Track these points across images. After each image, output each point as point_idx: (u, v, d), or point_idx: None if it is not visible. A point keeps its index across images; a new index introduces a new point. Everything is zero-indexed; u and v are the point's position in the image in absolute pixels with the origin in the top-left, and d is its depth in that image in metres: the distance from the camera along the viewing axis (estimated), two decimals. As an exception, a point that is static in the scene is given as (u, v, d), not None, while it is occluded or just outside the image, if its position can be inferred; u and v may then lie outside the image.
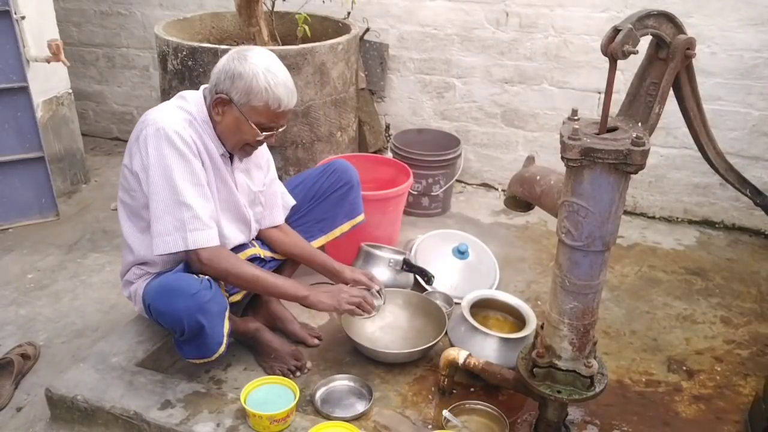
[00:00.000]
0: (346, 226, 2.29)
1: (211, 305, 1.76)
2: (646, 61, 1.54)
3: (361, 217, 2.31)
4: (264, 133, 1.83)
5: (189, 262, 1.83)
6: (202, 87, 1.90)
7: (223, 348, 1.84)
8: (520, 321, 2.13)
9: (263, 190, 2.08)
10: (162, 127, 1.74)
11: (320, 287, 1.97)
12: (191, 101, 1.86)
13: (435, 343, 2.08)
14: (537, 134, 3.32)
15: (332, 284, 2.07)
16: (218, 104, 1.80)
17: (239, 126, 1.81)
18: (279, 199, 2.16)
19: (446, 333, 2.11)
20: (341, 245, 2.41)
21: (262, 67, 1.75)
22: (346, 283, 2.06)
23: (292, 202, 2.22)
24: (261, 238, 2.15)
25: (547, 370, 1.68)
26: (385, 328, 2.26)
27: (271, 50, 2.60)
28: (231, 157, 1.94)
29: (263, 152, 2.07)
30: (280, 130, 1.88)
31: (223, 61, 1.80)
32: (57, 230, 3.06)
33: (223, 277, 1.85)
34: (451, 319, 2.17)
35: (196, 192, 1.77)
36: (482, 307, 2.20)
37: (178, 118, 1.78)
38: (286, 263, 2.25)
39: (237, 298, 2.06)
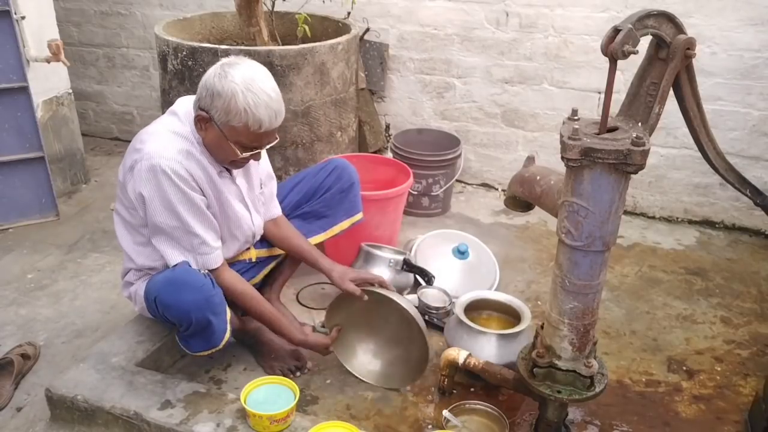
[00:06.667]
0: (345, 224, 2.28)
1: (216, 298, 1.80)
2: (646, 61, 1.54)
3: (359, 216, 2.31)
4: (246, 154, 1.77)
5: None
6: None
7: (228, 334, 1.86)
8: (518, 319, 2.12)
9: (263, 190, 2.08)
10: (157, 164, 1.70)
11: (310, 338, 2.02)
12: (185, 119, 1.82)
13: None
14: (537, 134, 3.32)
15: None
16: (200, 120, 1.76)
17: (220, 143, 1.77)
18: (275, 190, 2.16)
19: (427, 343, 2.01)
20: (341, 245, 2.41)
21: (241, 86, 1.67)
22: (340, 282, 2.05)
23: (278, 211, 2.18)
24: (273, 242, 2.16)
25: (547, 370, 1.68)
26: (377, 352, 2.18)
27: (271, 50, 2.63)
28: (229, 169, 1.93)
29: None
30: (270, 145, 1.82)
31: (206, 75, 1.74)
32: (57, 230, 3.06)
33: (223, 289, 1.89)
34: (448, 321, 2.17)
35: (200, 220, 1.81)
36: (481, 309, 2.19)
37: (173, 151, 1.74)
38: (284, 264, 2.25)
39: None
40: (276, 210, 2.16)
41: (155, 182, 1.72)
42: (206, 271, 1.83)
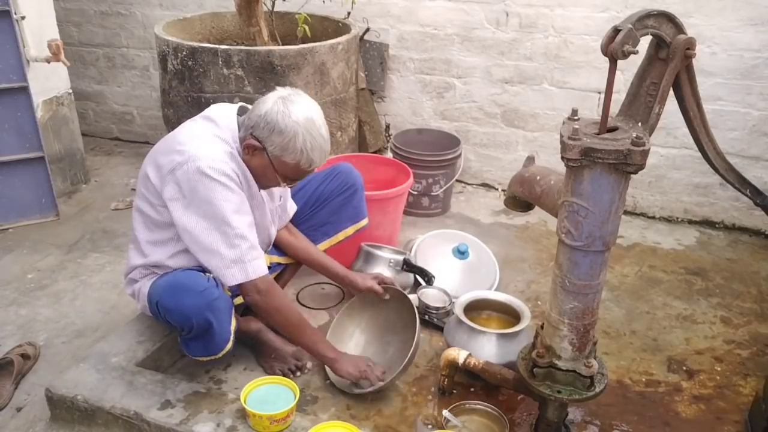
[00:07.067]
0: (350, 230, 2.29)
1: (219, 302, 1.78)
2: (646, 61, 1.54)
3: (365, 221, 2.32)
4: (286, 184, 1.86)
5: (244, 293, 1.84)
6: (237, 107, 1.87)
7: (230, 345, 1.86)
8: (518, 319, 2.12)
9: (281, 203, 2.10)
10: (203, 166, 1.70)
11: (347, 355, 2.00)
12: (225, 128, 1.82)
13: (405, 363, 1.97)
14: (537, 134, 3.32)
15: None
16: (249, 147, 1.78)
17: (265, 171, 1.82)
18: (288, 200, 2.18)
19: (417, 346, 2.01)
20: (342, 245, 2.40)
21: (303, 127, 1.73)
22: (360, 291, 2.17)
23: (294, 207, 2.22)
24: (277, 243, 2.17)
25: (547, 370, 1.68)
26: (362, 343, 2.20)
27: (271, 50, 2.63)
28: None
29: None
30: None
31: (267, 106, 1.75)
32: (57, 230, 3.06)
33: (272, 312, 1.88)
34: (448, 321, 2.17)
35: (247, 222, 1.79)
36: (481, 309, 2.19)
37: (219, 152, 1.75)
38: (287, 267, 2.26)
39: (240, 300, 2.06)
40: (287, 216, 2.18)
41: (204, 184, 1.70)
42: (211, 276, 1.79)
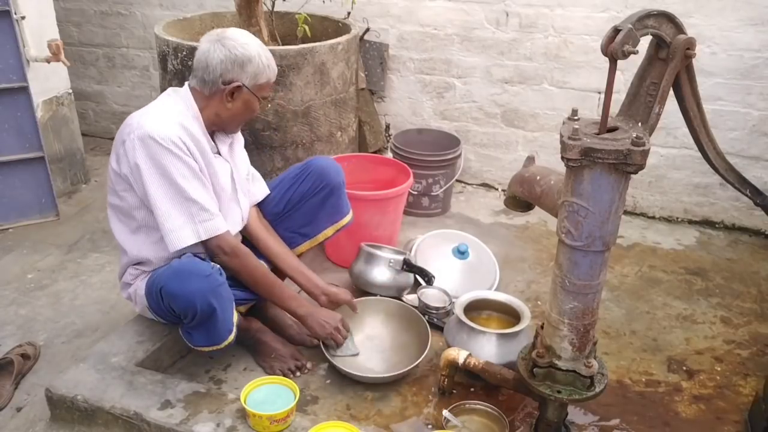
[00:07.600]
0: (329, 231, 2.20)
1: (223, 289, 1.79)
2: (646, 61, 1.54)
3: (346, 219, 2.22)
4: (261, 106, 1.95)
5: (212, 255, 1.86)
6: (187, 83, 1.91)
7: (232, 336, 1.87)
8: (518, 319, 2.12)
9: (248, 176, 2.11)
10: (147, 132, 1.74)
11: (319, 312, 2.04)
12: (179, 97, 1.87)
13: (420, 360, 2.01)
14: (537, 134, 3.32)
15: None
16: (230, 93, 1.85)
17: (249, 106, 1.90)
18: (255, 176, 2.18)
19: (429, 347, 2.05)
20: (341, 245, 2.41)
21: (255, 49, 1.85)
22: (339, 305, 2.14)
23: (265, 190, 2.19)
24: (250, 238, 2.12)
25: (547, 370, 1.68)
26: (367, 344, 2.18)
27: (271, 50, 2.62)
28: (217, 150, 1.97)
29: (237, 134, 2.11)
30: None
31: (216, 54, 1.82)
32: (57, 230, 3.06)
33: (240, 272, 1.91)
34: (448, 321, 2.17)
35: (197, 185, 1.81)
36: (481, 309, 2.19)
37: (165, 119, 1.79)
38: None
39: (241, 310, 2.06)
40: (262, 189, 2.17)
41: (148, 150, 1.74)
42: (216, 265, 1.81)
